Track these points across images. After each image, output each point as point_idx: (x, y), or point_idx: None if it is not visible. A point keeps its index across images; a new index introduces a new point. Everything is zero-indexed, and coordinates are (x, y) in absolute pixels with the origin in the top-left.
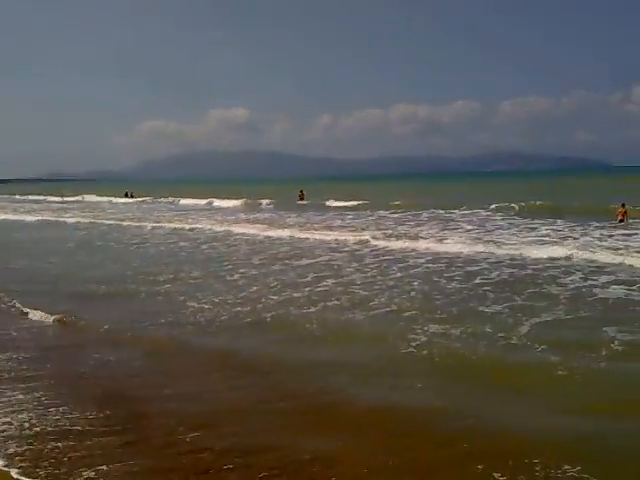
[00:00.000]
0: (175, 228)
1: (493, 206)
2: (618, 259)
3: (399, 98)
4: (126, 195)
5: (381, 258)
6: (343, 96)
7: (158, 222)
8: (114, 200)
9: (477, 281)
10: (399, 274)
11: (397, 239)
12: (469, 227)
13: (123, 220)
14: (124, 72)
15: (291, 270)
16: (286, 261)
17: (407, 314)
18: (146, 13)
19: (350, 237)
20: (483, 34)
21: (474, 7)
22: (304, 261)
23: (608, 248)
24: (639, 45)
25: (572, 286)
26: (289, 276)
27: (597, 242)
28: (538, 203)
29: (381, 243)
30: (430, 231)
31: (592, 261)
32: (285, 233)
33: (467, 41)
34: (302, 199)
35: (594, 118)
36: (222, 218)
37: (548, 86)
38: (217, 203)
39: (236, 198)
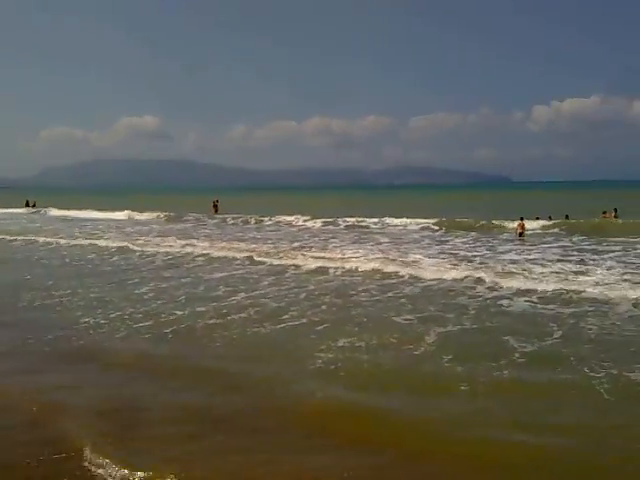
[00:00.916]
0: (78, 244)
1: (409, 221)
2: (521, 273)
3: (313, 112)
4: (27, 204)
5: (295, 272)
6: (256, 107)
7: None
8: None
9: (390, 295)
10: (312, 286)
11: (311, 251)
12: (384, 240)
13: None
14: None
15: (202, 283)
16: (200, 274)
17: (318, 327)
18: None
19: (264, 250)
20: (390, 51)
21: (382, 24)
22: (216, 275)
23: (511, 262)
24: (538, 68)
25: (480, 299)
26: (198, 289)
27: (501, 256)
28: (444, 218)
29: (297, 256)
30: (344, 244)
31: (497, 275)
32: (194, 247)
33: (376, 58)
34: (216, 210)
35: (497, 135)
36: (132, 230)
37: (455, 104)
38: (118, 215)
39: (147, 209)
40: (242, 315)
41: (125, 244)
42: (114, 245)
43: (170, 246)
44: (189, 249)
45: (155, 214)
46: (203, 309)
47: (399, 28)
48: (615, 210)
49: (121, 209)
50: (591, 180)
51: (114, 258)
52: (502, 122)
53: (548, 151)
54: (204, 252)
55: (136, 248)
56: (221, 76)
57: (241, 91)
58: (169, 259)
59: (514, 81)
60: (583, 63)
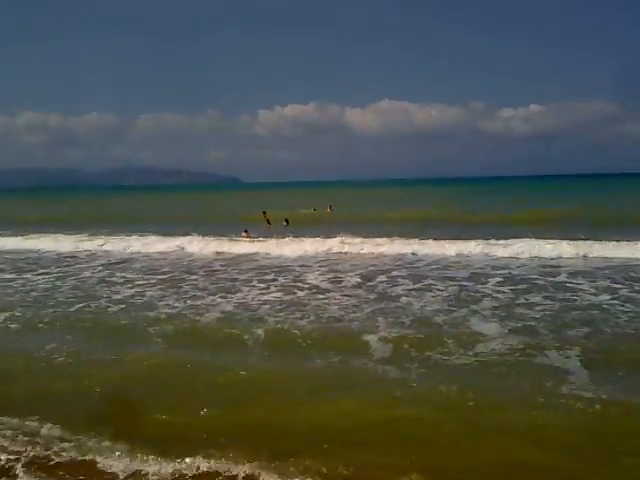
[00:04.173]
0: None
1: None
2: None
3: (26, 105)
4: None
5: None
6: None
7: None
8: None
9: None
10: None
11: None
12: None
13: None
14: None
15: None
16: None
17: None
18: None
19: None
20: (118, 44)
21: (110, 17)
22: None
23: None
24: (262, 72)
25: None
26: None
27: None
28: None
29: None
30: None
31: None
32: None
33: (104, 50)
34: None
35: (226, 137)
36: None
37: (183, 104)
38: None
39: None
40: None
41: None
42: None
43: None
44: None
45: None
46: None
47: (131, 23)
48: (330, 206)
49: None
50: (312, 181)
51: None
52: (231, 125)
53: (274, 153)
54: None
55: None
56: None
57: None
58: None
59: (240, 85)
60: (302, 70)
